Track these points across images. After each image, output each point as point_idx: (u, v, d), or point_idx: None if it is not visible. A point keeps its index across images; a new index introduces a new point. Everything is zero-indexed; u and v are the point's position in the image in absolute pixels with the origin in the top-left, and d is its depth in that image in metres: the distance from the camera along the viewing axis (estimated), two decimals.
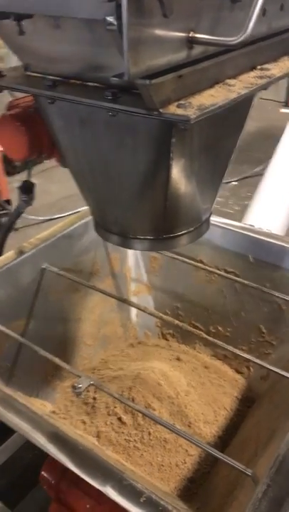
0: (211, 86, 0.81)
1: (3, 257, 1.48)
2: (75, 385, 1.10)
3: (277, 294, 1.44)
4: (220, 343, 1.27)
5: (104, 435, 1.33)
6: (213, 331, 1.68)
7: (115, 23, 0.56)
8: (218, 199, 1.10)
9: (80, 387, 1.10)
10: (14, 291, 1.44)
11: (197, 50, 0.66)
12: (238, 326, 1.63)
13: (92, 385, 1.10)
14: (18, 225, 3.67)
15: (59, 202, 3.92)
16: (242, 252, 1.56)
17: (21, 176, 4.18)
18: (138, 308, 1.61)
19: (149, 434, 1.31)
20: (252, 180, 4.34)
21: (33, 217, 3.66)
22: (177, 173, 0.90)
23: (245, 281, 1.49)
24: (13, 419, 1.00)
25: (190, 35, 0.63)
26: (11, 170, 4.05)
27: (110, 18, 0.57)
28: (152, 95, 0.69)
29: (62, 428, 0.97)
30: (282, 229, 1.72)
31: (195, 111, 0.71)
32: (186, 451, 1.30)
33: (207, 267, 1.59)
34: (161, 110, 0.72)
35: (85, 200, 1.10)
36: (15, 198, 4.14)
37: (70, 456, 0.93)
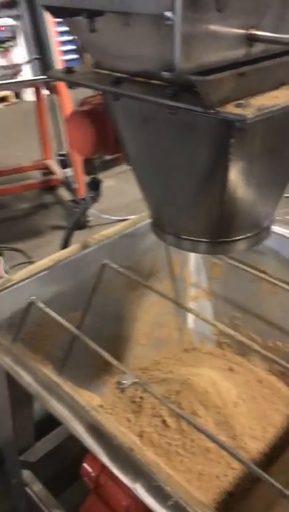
0: (276, 87, 0.79)
1: (67, 249, 1.53)
2: (120, 380, 1.11)
3: None
4: (275, 357, 1.22)
5: (146, 435, 1.32)
6: (271, 345, 1.62)
7: (173, 18, 0.56)
8: None
9: (124, 383, 1.11)
10: (75, 283, 1.48)
11: (258, 49, 0.64)
12: None
13: (137, 382, 1.11)
14: (92, 223, 3.79)
15: (133, 203, 3.98)
16: None
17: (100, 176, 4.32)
18: (192, 313, 1.60)
19: (192, 440, 1.29)
20: None
21: (106, 216, 3.75)
22: (235, 175, 0.88)
23: None
24: (57, 407, 1.02)
25: (250, 32, 0.61)
26: (90, 169, 4.19)
27: (168, 13, 0.57)
28: (210, 93, 0.69)
29: (102, 421, 0.98)
30: None
31: (253, 111, 0.69)
32: (229, 463, 1.27)
33: (270, 279, 1.54)
34: (218, 109, 0.71)
35: (144, 198, 1.11)
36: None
37: (105, 450, 0.94)
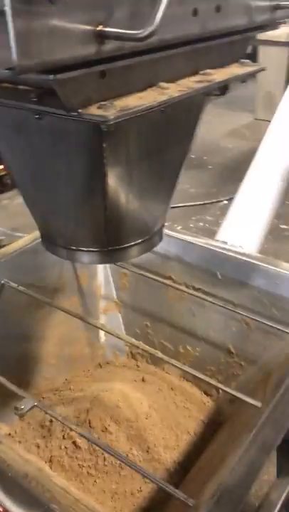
0: (143, 89, 0.78)
1: None
2: (17, 406, 1.04)
3: (244, 312, 1.38)
4: (182, 366, 1.21)
5: (57, 460, 1.25)
6: (182, 350, 1.61)
7: (5, 9, 0.52)
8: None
9: (23, 409, 1.04)
10: None
11: (111, 46, 0.62)
12: (207, 346, 1.56)
13: (36, 406, 1.04)
14: (5, 242, 3.64)
15: None
16: (210, 268, 1.50)
17: (12, 194, 4.18)
18: (100, 328, 1.56)
19: (104, 459, 1.24)
20: None
21: (19, 234, 3.62)
22: (115, 181, 0.86)
23: (213, 300, 1.43)
24: None
25: (98, 28, 0.59)
26: (1, 188, 4.06)
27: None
28: (67, 93, 0.66)
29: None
30: (255, 245, 1.66)
31: (115, 112, 0.67)
32: (143, 477, 1.23)
33: (175, 284, 1.54)
34: (80, 111, 0.68)
35: (29, 210, 1.06)
36: (3, 215, 4.10)
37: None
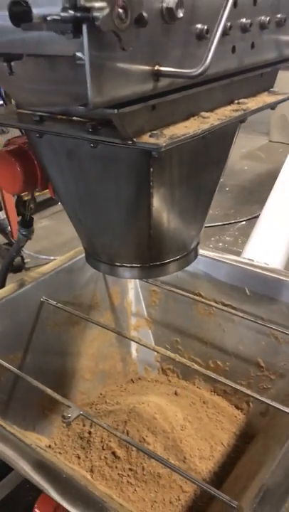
0: (187, 118, 0.86)
1: (3, 289, 1.51)
2: (64, 414, 1.11)
3: (273, 326, 1.44)
4: (217, 377, 1.26)
5: (97, 470, 1.31)
6: (212, 365, 1.66)
7: (83, 57, 0.61)
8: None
9: (70, 417, 1.10)
10: (12, 323, 1.46)
11: (165, 83, 0.71)
12: (236, 360, 1.61)
13: (82, 415, 1.10)
14: (29, 265, 3.75)
15: (70, 242, 3.99)
16: (238, 284, 1.56)
17: (36, 218, 4.31)
18: (136, 341, 1.62)
19: (143, 469, 1.29)
20: None
21: (44, 256, 3.73)
22: (159, 202, 0.94)
23: (242, 314, 1.49)
24: (2, 448, 1.00)
25: (155, 68, 0.67)
26: (22, 210, 4.18)
27: (79, 54, 0.62)
28: (124, 124, 0.74)
29: (50, 458, 0.96)
30: (281, 262, 1.72)
31: (166, 140, 0.75)
32: (181, 487, 1.27)
33: (204, 300, 1.60)
34: (134, 139, 0.76)
35: (76, 230, 1.14)
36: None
37: (54, 485, 0.92)
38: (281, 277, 1.51)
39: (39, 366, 1.50)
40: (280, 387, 1.51)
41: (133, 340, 1.65)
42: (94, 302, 1.68)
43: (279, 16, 0.91)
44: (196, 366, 1.27)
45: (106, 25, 0.54)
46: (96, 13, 0.55)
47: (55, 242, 3.98)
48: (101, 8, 0.55)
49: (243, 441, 1.46)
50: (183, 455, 1.33)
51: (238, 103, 0.95)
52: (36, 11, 0.65)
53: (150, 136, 0.77)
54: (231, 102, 0.96)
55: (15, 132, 1.35)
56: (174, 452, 1.34)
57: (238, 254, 1.83)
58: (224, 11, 0.65)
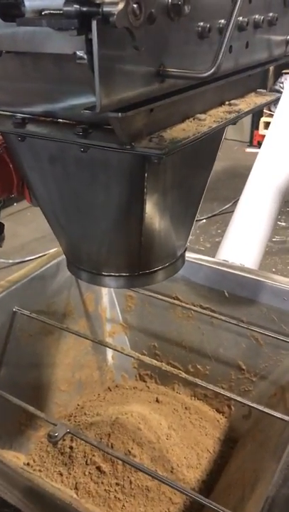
0: (182, 120, 0.82)
1: None
2: (51, 433, 1.04)
3: (254, 328, 1.42)
4: (200, 381, 1.23)
5: (82, 487, 1.25)
6: (192, 370, 1.64)
7: (85, 57, 0.56)
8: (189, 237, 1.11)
9: (57, 436, 1.04)
10: None
11: (167, 84, 0.66)
12: (217, 364, 1.59)
13: (69, 433, 1.04)
14: None
15: (29, 244, 3.87)
16: (217, 287, 1.54)
17: None
18: (114, 349, 1.57)
19: (130, 482, 1.24)
20: (221, 218, 4.41)
21: (2, 260, 3.60)
22: (152, 208, 0.89)
23: (222, 317, 1.47)
24: None
25: (161, 68, 0.63)
26: None
27: (80, 53, 0.56)
28: (124, 129, 0.69)
29: (38, 482, 0.90)
30: (255, 263, 1.72)
31: (168, 144, 0.71)
32: (170, 499, 1.24)
33: (183, 304, 1.57)
34: (133, 144, 0.71)
35: (57, 237, 1.07)
36: None
37: (36, 506, 0.86)
38: (259, 278, 1.50)
39: (14, 380, 1.43)
40: (262, 389, 1.50)
41: (109, 347, 1.60)
42: (68, 310, 1.61)
43: (271, 14, 0.88)
44: (174, 371, 1.24)
45: (121, 22, 0.49)
46: (108, 8, 0.50)
47: (12, 244, 3.85)
48: (114, 3, 0.49)
49: (228, 445, 1.45)
50: (170, 465, 1.30)
51: (230, 104, 0.92)
52: (29, 4, 0.59)
53: (150, 140, 0.72)
54: (222, 103, 0.93)
55: None
56: (161, 463, 1.30)
57: (201, 252, 1.82)
58: (235, 6, 0.61)
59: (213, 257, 1.69)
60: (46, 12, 0.58)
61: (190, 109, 0.83)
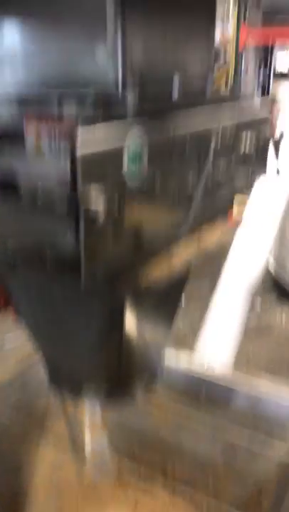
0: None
1: None
2: None
3: (230, 431, 1.46)
4: (175, 481, 1.24)
5: None
6: (170, 468, 1.64)
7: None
8: None
9: None
10: None
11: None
12: (195, 462, 1.60)
13: None
14: None
15: None
16: (193, 391, 1.60)
17: None
18: (90, 448, 1.57)
19: None
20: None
21: None
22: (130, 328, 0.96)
23: (197, 421, 1.50)
24: None
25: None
26: None
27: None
28: None
29: None
30: (228, 359, 1.81)
31: None
32: None
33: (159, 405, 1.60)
34: None
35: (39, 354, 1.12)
36: None
37: None
38: (233, 387, 1.56)
39: None
40: (242, 487, 1.51)
41: (87, 447, 1.59)
42: (48, 410, 1.62)
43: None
44: (154, 470, 1.25)
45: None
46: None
47: None
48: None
49: None
50: None
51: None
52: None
53: None
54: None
55: None
56: None
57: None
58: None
59: None
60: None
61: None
